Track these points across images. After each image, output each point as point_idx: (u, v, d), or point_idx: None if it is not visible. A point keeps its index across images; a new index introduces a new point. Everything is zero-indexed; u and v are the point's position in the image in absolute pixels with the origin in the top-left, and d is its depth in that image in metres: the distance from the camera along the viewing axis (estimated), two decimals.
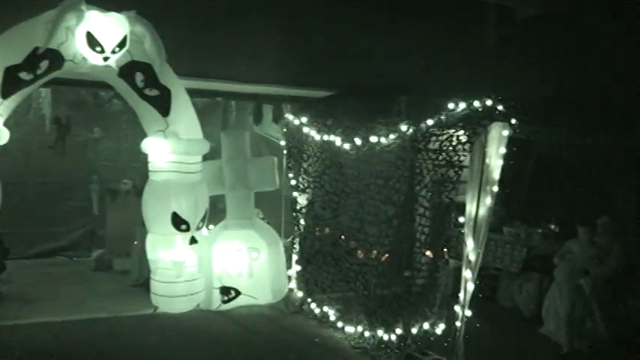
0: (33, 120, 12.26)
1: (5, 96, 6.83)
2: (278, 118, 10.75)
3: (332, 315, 7.88)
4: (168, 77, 7.92)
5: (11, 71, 6.78)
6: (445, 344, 6.55)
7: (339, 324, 7.69)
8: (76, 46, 7.10)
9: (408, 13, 10.47)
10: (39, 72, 6.97)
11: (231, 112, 13.02)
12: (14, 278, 10.05)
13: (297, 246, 8.68)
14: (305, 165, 8.48)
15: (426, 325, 6.93)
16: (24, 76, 6.87)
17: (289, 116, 8.82)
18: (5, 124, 7.03)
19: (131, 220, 9.72)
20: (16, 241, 10.93)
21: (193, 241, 8.03)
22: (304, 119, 8.42)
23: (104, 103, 12.47)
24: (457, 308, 6.30)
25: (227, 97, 11.00)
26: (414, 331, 6.90)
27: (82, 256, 12.37)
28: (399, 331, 6.90)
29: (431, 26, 10.40)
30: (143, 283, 8.84)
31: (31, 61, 6.85)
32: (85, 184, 12.84)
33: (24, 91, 7.06)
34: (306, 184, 8.47)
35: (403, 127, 6.73)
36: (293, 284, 8.70)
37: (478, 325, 6.69)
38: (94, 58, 7.17)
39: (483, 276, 7.98)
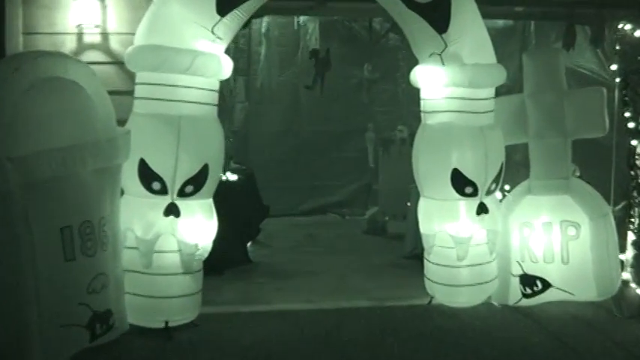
0: (301, 61, 11.49)
1: (223, 12, 5.26)
2: (599, 40, 8.15)
3: None
4: None
5: None
6: None
7: None
8: None
9: None
10: None
11: (530, 41, 10.82)
12: (275, 241, 9.22)
13: (635, 219, 6.33)
14: None
15: None
16: None
17: (626, 26, 6.40)
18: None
19: (406, 176, 8.13)
20: (284, 196, 10.72)
21: (483, 209, 6.12)
22: None
23: (379, 39, 11.42)
24: None
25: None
26: None
27: (356, 215, 11.57)
28: None
29: None
30: (419, 255, 7.22)
31: None
32: (360, 132, 11.98)
33: (247, 6, 5.40)
34: None
35: None
36: (627, 275, 6.37)
37: None
38: None
39: None
